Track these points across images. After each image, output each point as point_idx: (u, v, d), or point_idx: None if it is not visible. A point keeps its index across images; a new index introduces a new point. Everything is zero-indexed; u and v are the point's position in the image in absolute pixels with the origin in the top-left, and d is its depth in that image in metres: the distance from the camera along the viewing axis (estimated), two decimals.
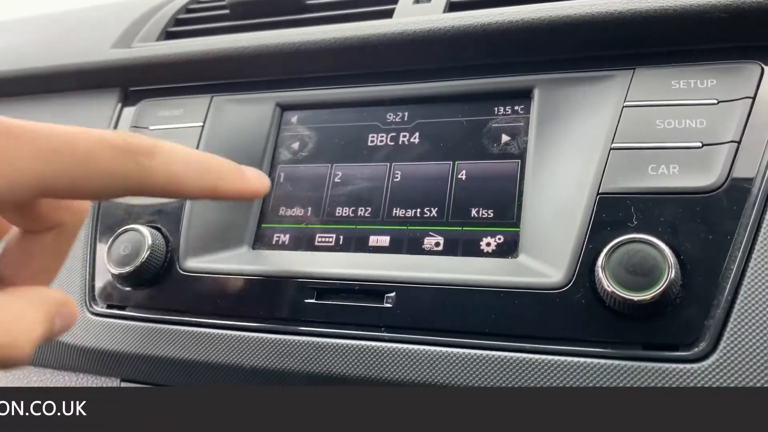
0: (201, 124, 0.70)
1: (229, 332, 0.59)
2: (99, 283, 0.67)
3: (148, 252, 0.63)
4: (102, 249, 0.67)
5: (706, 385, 0.45)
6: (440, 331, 0.53)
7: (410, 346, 0.53)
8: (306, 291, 0.58)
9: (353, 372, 0.54)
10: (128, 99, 0.78)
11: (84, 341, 0.65)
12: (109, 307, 0.66)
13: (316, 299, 0.57)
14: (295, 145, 0.67)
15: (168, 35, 0.83)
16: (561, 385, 0.48)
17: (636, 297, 0.46)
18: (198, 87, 0.74)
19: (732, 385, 0.44)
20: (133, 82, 0.78)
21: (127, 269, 0.62)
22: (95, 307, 0.66)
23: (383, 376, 0.53)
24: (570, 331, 0.49)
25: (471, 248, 0.56)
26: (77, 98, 0.80)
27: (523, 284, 0.51)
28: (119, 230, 0.65)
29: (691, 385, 0.45)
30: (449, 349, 0.52)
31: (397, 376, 0.53)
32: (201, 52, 0.72)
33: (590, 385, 0.47)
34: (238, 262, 0.62)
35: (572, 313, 0.49)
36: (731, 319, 0.46)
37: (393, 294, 0.55)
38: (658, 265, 0.46)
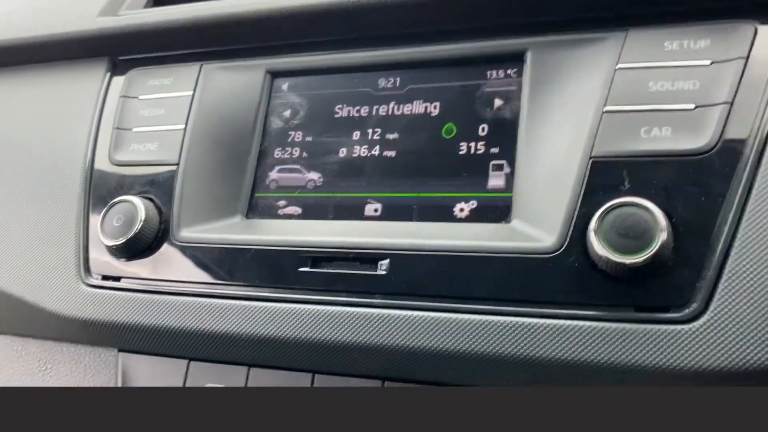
0: (191, 92, 0.69)
1: (223, 301, 0.59)
2: (93, 255, 0.67)
3: (142, 223, 0.62)
4: (95, 221, 0.67)
5: (698, 345, 0.45)
6: (434, 297, 0.53)
7: (405, 312, 0.53)
8: (301, 259, 0.58)
9: (349, 338, 0.54)
10: (117, 68, 0.77)
11: (80, 313, 0.65)
12: (104, 278, 0.66)
13: (310, 267, 0.58)
14: (287, 113, 0.67)
15: (156, 2, 0.81)
16: (554, 347, 0.49)
17: (628, 260, 0.46)
18: (187, 55, 0.73)
19: (723, 345, 0.45)
20: (121, 51, 0.77)
21: (121, 241, 0.63)
22: (90, 279, 0.66)
23: (378, 343, 0.53)
24: (563, 295, 0.50)
25: (464, 214, 0.56)
26: (65, 68, 0.79)
27: (515, 249, 0.52)
28: (112, 201, 0.65)
29: (683, 344, 0.46)
30: (443, 314, 0.52)
31: (391, 342, 0.53)
32: (189, 19, 0.71)
33: (584, 347, 0.48)
34: (232, 231, 0.62)
35: (565, 277, 0.50)
36: (722, 280, 0.46)
37: (387, 261, 0.55)
38: (650, 228, 0.46)
